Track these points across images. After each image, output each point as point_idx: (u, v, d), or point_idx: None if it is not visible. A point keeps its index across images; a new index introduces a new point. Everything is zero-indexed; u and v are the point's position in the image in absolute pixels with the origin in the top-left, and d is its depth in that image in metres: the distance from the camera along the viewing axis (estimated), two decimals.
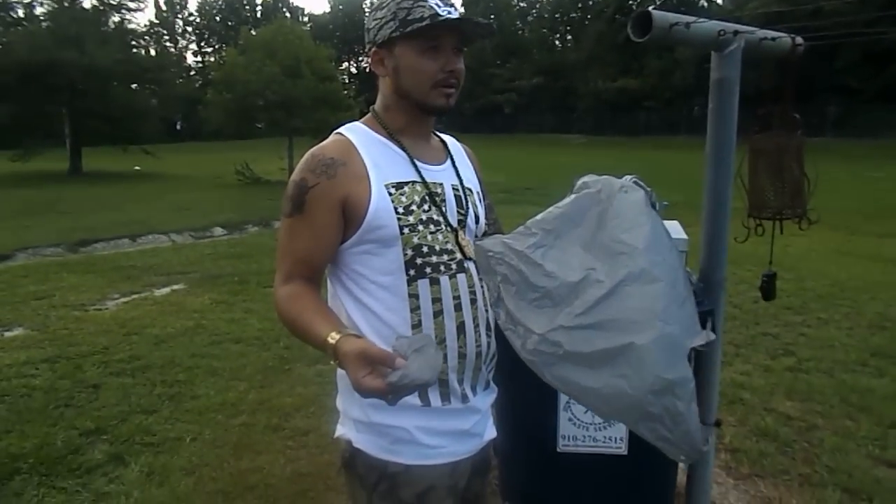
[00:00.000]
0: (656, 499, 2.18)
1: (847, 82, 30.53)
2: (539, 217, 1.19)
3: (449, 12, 1.18)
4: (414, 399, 1.21)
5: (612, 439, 2.05)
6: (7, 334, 4.89)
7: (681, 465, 2.20)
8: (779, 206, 1.85)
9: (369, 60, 1.26)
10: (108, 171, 22.55)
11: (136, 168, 23.47)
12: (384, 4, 1.21)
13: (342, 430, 1.29)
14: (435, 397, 1.23)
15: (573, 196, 1.22)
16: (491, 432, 1.36)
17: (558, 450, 2.08)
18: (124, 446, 3.12)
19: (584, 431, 2.06)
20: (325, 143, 1.25)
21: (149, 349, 4.49)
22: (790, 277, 6.17)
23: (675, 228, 2.15)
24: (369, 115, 1.30)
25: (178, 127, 49.47)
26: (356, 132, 1.26)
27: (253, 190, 16.61)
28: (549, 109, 46.84)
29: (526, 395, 1.91)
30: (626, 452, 2.06)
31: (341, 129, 1.27)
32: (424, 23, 1.16)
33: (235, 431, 3.30)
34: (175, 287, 6.44)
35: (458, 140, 1.45)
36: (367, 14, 1.28)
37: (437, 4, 1.18)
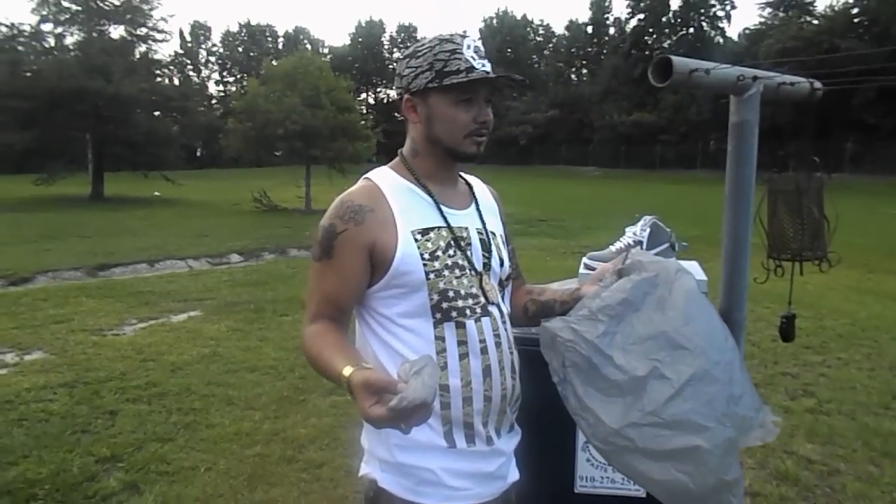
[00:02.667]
0: None
1: (864, 119, 30.51)
2: (602, 303, 1.25)
3: (483, 65, 1.22)
4: (440, 440, 1.22)
5: (631, 481, 2.02)
6: (27, 357, 4.95)
7: None
8: (799, 248, 1.86)
9: (401, 105, 1.29)
10: (128, 196, 22.94)
11: (156, 193, 23.84)
12: (420, 53, 1.24)
13: (367, 469, 1.29)
14: (460, 439, 1.24)
15: (631, 280, 1.28)
16: (514, 474, 1.37)
17: (576, 490, 2.05)
18: (139, 474, 3.13)
19: (602, 472, 2.04)
20: (353, 188, 1.28)
21: (165, 376, 4.52)
22: (809, 316, 6.10)
23: (693, 269, 2.15)
24: (397, 159, 1.33)
25: (199, 154, 50.32)
26: (384, 178, 1.29)
27: (270, 217, 16.78)
28: (564, 142, 47.21)
29: (543, 435, 1.90)
30: (644, 495, 2.03)
31: (370, 175, 1.31)
32: (461, 77, 1.19)
33: (250, 462, 3.29)
34: (192, 313, 6.50)
35: (478, 177, 1.47)
36: (398, 59, 1.32)
37: (472, 57, 1.22)
